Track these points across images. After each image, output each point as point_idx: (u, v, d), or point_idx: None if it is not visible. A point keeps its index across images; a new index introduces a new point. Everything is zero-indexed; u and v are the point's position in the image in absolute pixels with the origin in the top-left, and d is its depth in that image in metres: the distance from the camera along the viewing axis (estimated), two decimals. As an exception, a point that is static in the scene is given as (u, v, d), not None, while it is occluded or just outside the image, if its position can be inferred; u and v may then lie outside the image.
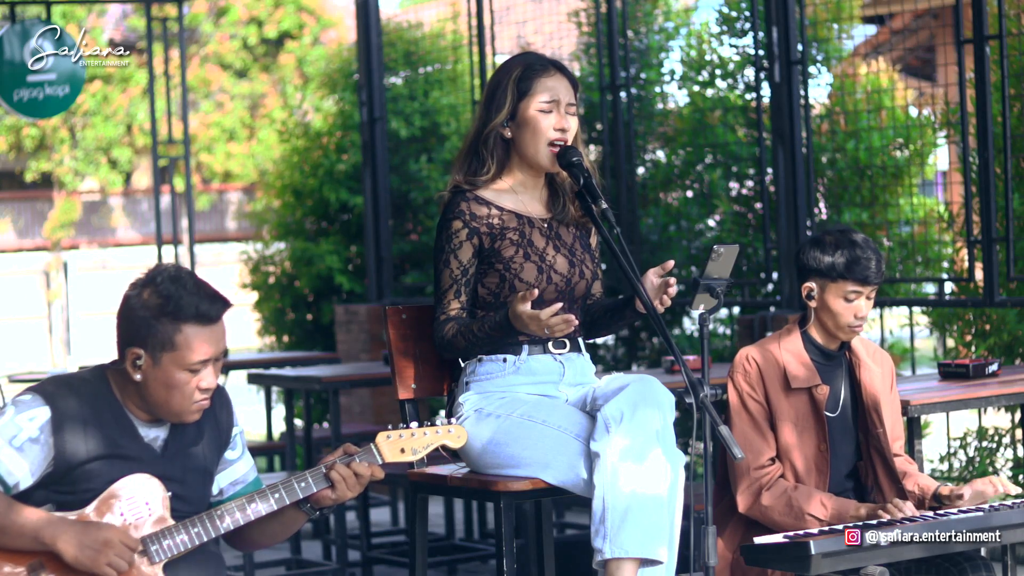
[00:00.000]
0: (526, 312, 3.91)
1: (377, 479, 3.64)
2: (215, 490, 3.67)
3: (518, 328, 3.97)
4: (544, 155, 4.17)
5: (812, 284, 4.25)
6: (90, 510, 3.44)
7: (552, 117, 4.17)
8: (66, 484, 3.44)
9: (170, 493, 3.49)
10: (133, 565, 3.41)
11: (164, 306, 3.43)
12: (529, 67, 4.23)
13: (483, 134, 4.22)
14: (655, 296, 4.03)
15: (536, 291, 3.94)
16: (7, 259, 25.98)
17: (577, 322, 3.96)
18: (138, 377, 3.46)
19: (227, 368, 7.87)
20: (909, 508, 4.00)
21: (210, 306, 3.47)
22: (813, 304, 4.26)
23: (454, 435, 3.73)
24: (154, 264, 3.60)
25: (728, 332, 8.58)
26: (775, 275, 7.52)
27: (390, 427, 3.69)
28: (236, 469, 3.70)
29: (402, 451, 3.67)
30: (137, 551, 3.43)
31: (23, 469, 3.41)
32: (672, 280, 4.00)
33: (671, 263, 4.03)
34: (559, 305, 3.92)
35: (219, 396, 3.67)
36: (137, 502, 3.46)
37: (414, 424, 3.70)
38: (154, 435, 3.54)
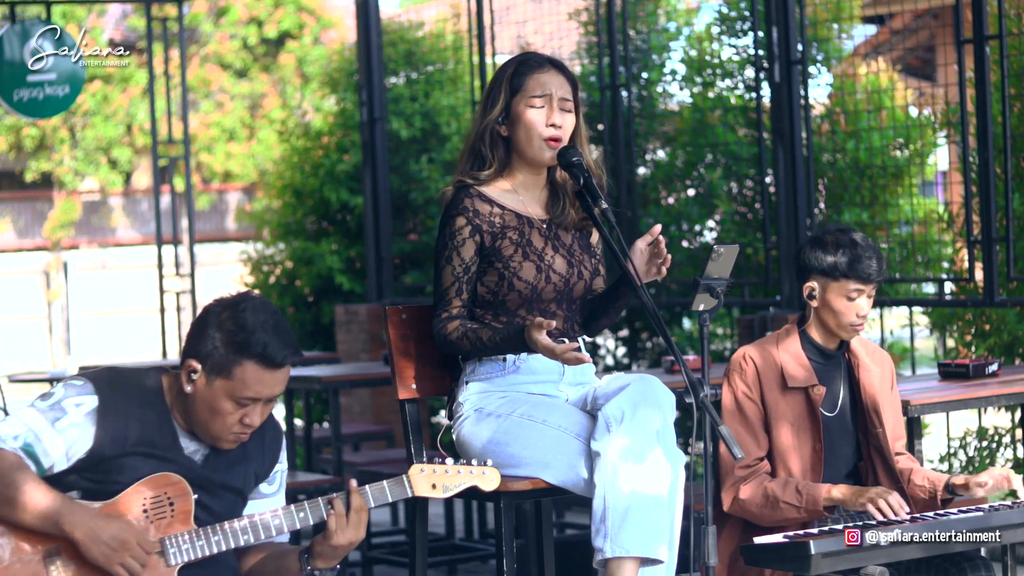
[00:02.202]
0: (542, 341, 3.93)
1: (361, 513, 3.56)
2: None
3: (531, 347, 3.99)
4: (541, 150, 4.17)
5: (813, 284, 4.25)
6: (115, 502, 3.43)
7: (543, 113, 4.16)
8: (97, 472, 3.44)
9: (196, 496, 3.48)
10: (147, 567, 3.41)
11: (235, 334, 3.42)
12: (523, 64, 4.23)
13: (481, 132, 4.22)
14: (645, 266, 4.04)
15: (553, 323, 3.94)
16: (7, 259, 25.97)
17: (590, 359, 3.98)
18: (189, 389, 3.46)
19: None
20: (895, 500, 3.97)
21: (279, 350, 3.44)
22: (814, 304, 4.26)
23: (487, 478, 3.72)
24: (246, 290, 3.57)
25: (728, 332, 8.59)
26: (775, 275, 7.52)
27: (424, 460, 3.67)
28: (265, 504, 3.67)
29: (433, 486, 3.65)
30: (154, 552, 3.42)
31: (59, 452, 3.42)
32: (661, 240, 4.00)
33: (658, 227, 4.03)
34: (577, 344, 3.94)
35: (272, 428, 3.65)
36: (162, 500, 3.46)
37: (449, 461, 3.68)
38: (194, 448, 3.53)
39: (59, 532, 3.37)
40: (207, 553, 3.47)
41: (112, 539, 3.36)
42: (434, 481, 3.65)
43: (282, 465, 3.70)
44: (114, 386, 3.48)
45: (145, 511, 3.44)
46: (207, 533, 3.47)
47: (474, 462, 3.71)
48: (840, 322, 4.23)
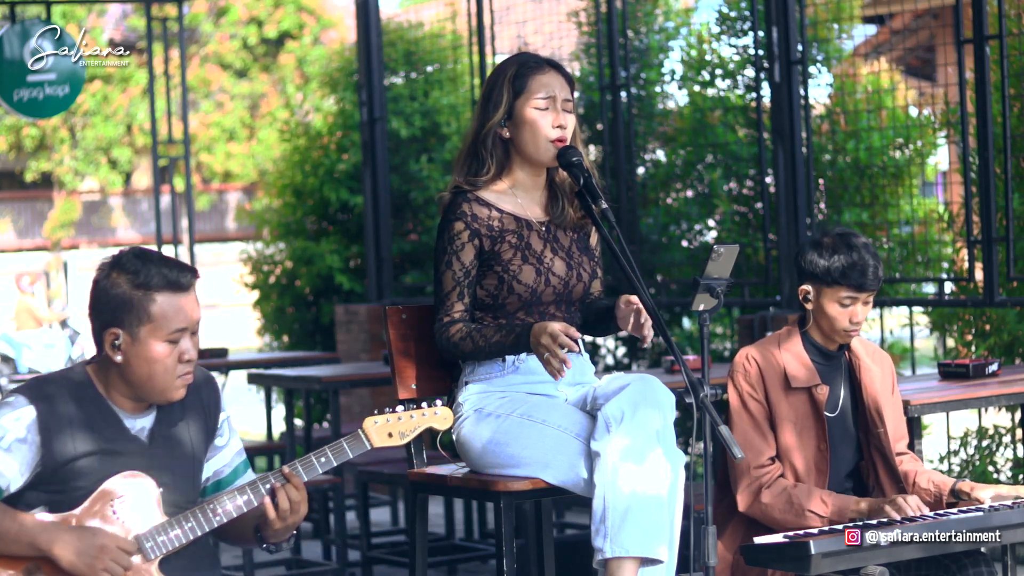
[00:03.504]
0: (542, 340, 3.91)
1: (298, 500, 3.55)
2: (203, 476, 3.66)
3: (532, 342, 3.98)
4: (545, 151, 4.17)
5: (808, 287, 4.25)
6: (82, 509, 3.44)
7: (549, 115, 4.16)
8: (56, 483, 3.44)
9: (161, 489, 3.49)
10: (130, 568, 3.41)
11: (134, 280, 3.45)
12: (523, 65, 4.22)
13: (481, 135, 4.22)
14: (627, 325, 4.02)
15: (577, 349, 3.93)
16: (7, 259, 26.00)
17: (570, 367, 3.95)
18: (119, 359, 3.46)
19: (227, 368, 7.87)
20: (914, 502, 3.99)
21: (179, 274, 3.48)
22: (809, 307, 4.26)
23: (440, 417, 3.73)
24: (116, 251, 3.59)
25: (728, 332, 8.58)
26: (775, 275, 7.52)
27: (376, 412, 3.68)
28: (223, 456, 3.70)
29: (390, 435, 3.67)
30: (133, 553, 3.43)
31: (13, 470, 3.41)
32: (644, 313, 3.97)
33: (635, 299, 3.98)
34: (570, 363, 3.93)
35: (206, 383, 3.66)
36: (129, 500, 3.46)
37: (400, 408, 3.70)
38: (140, 426, 3.54)
39: (36, 553, 3.37)
40: (183, 542, 3.48)
41: (91, 547, 3.37)
42: (389, 430, 3.66)
43: (225, 413, 3.71)
44: (46, 392, 3.47)
45: (115, 512, 3.45)
46: (180, 522, 3.48)
47: (424, 404, 3.72)
48: (833, 327, 4.23)
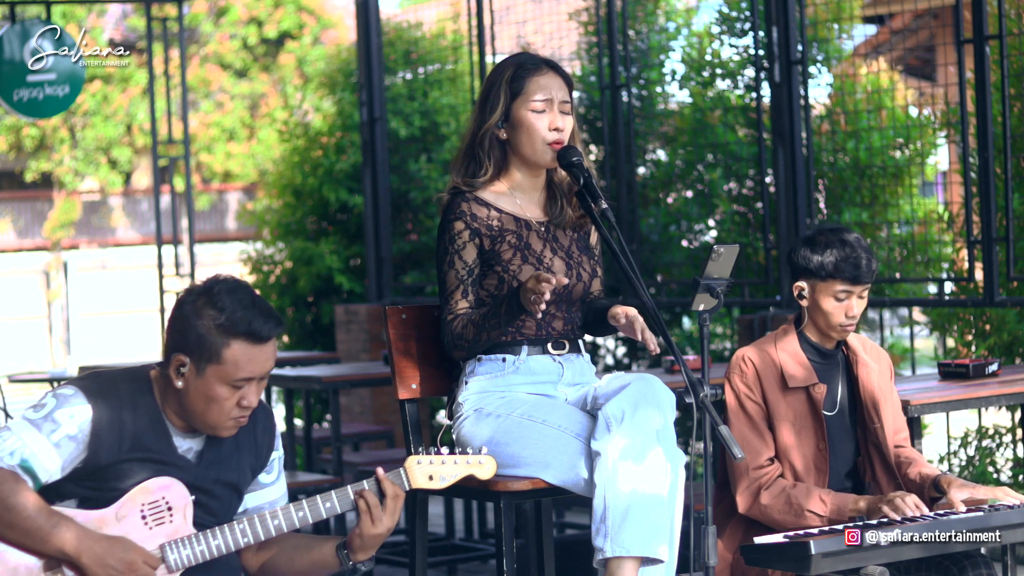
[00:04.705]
0: (528, 282, 3.88)
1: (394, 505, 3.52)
2: (240, 508, 3.63)
3: (521, 298, 3.93)
4: (543, 153, 4.16)
5: (803, 283, 4.25)
6: (112, 509, 3.42)
7: (546, 117, 4.16)
8: (94, 480, 3.42)
9: (193, 497, 3.47)
10: None
11: (217, 318, 3.39)
12: (521, 67, 4.22)
13: (478, 136, 4.21)
14: (630, 335, 4.03)
15: (566, 279, 3.91)
16: (7, 259, 25.98)
17: (543, 305, 3.89)
18: (180, 384, 3.42)
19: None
20: (912, 501, 3.98)
21: (263, 324, 3.41)
22: (804, 303, 4.26)
23: (484, 466, 3.66)
24: (213, 274, 3.53)
25: (728, 332, 8.59)
26: (775, 275, 7.52)
27: (421, 451, 3.61)
28: (266, 493, 3.66)
29: (430, 478, 3.60)
30: (158, 567, 3.41)
31: (55, 465, 3.39)
32: (647, 331, 3.97)
33: (632, 312, 4.00)
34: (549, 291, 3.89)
35: (264, 417, 3.62)
36: (160, 505, 3.44)
37: (445, 450, 3.63)
38: (188, 446, 3.51)
39: (62, 555, 3.35)
40: (207, 557, 3.45)
41: (119, 561, 3.35)
42: (431, 472, 3.60)
43: (278, 452, 3.67)
44: (104, 393, 3.44)
45: (143, 517, 3.43)
46: (206, 537, 3.45)
47: (469, 451, 3.67)
48: (829, 322, 4.23)
